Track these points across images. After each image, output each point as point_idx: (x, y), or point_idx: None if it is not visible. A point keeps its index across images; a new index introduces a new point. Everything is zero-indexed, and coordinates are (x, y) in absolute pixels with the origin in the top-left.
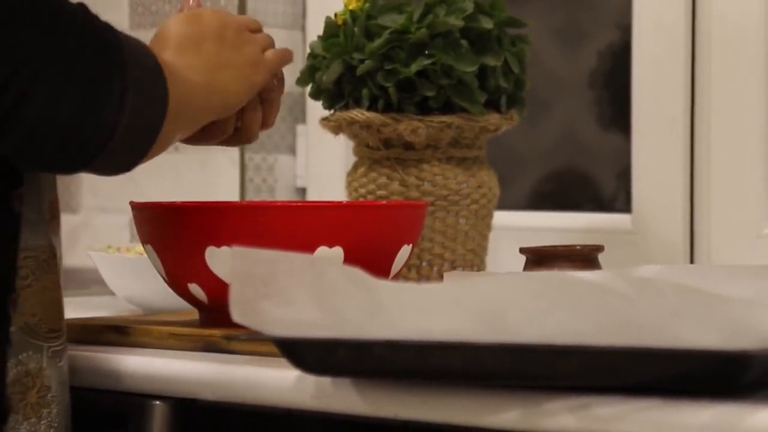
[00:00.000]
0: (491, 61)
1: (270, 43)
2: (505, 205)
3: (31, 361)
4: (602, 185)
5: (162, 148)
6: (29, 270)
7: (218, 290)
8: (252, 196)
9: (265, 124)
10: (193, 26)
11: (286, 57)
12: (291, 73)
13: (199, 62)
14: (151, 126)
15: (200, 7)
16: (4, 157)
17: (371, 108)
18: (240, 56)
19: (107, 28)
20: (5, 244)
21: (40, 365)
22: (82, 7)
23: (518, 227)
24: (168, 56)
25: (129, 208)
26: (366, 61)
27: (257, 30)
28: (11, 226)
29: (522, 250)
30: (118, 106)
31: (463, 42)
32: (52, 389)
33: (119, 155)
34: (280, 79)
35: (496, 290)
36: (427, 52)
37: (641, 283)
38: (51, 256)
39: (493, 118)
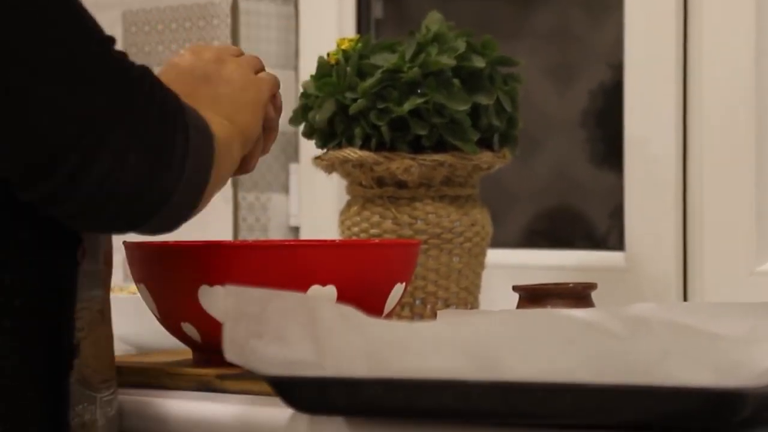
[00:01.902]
0: (483, 100)
1: (256, 64)
2: (498, 242)
3: (86, 412)
4: (595, 223)
5: (207, 202)
6: (84, 321)
7: (211, 329)
8: (245, 235)
9: (264, 151)
10: (198, 52)
11: (276, 78)
12: (284, 112)
13: (221, 104)
14: (203, 185)
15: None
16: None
17: (364, 147)
18: (244, 87)
19: (168, 92)
20: (70, 296)
21: (93, 417)
22: (147, 70)
23: (511, 265)
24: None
25: (122, 247)
26: (359, 100)
27: (238, 54)
28: (74, 278)
29: (515, 288)
30: (177, 172)
31: (456, 81)
32: None
33: (170, 216)
34: (278, 107)
35: (488, 329)
36: (419, 91)
37: (633, 322)
38: (103, 306)
39: (486, 157)
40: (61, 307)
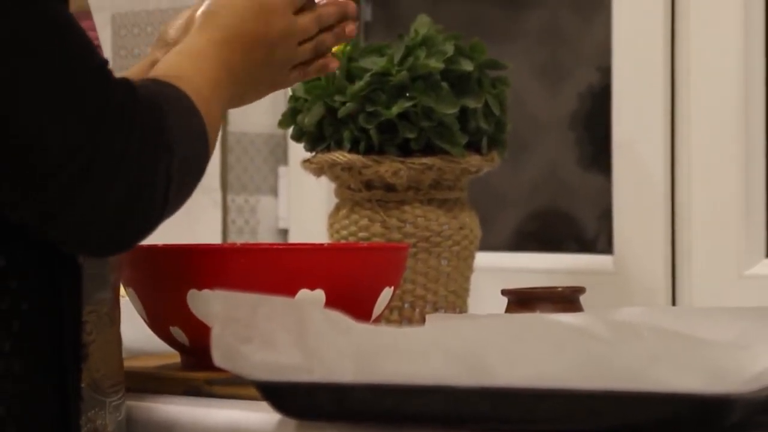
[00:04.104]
0: (472, 103)
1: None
2: (487, 245)
3: (97, 418)
4: (584, 226)
5: None
6: (92, 324)
7: (200, 333)
8: (234, 238)
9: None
10: (260, 24)
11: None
12: (273, 115)
13: (242, 67)
14: (186, 198)
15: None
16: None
17: (353, 150)
18: (274, 75)
19: (153, 104)
20: (76, 299)
21: (104, 421)
22: (132, 92)
23: (500, 268)
24: (216, 47)
25: None
26: (347, 104)
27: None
28: (78, 281)
29: (504, 292)
30: (161, 200)
31: (444, 84)
32: None
33: (148, 232)
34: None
35: (476, 333)
36: (408, 94)
37: (621, 327)
38: (112, 309)
39: (474, 160)
40: (68, 310)
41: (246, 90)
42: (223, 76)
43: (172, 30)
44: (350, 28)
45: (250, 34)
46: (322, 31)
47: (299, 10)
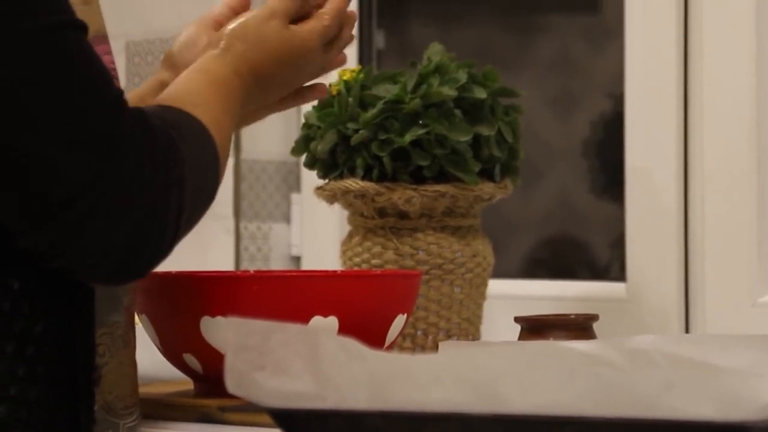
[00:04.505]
0: (485, 131)
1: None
2: (499, 272)
3: None
4: (596, 253)
5: None
6: (105, 347)
7: (213, 360)
8: (246, 265)
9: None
10: (291, 71)
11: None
12: (286, 142)
13: (260, 96)
14: (196, 221)
15: (307, 34)
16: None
17: (366, 177)
18: (294, 82)
19: (166, 135)
20: (89, 322)
21: None
22: (140, 117)
23: (513, 296)
24: (234, 78)
25: None
26: (360, 131)
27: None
28: (91, 303)
29: (517, 319)
30: (173, 229)
31: (457, 112)
32: None
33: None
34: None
35: (489, 361)
36: (421, 121)
37: (635, 354)
38: (126, 331)
39: (487, 187)
40: (81, 333)
41: (255, 113)
42: (235, 105)
43: (177, 47)
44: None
45: (278, 79)
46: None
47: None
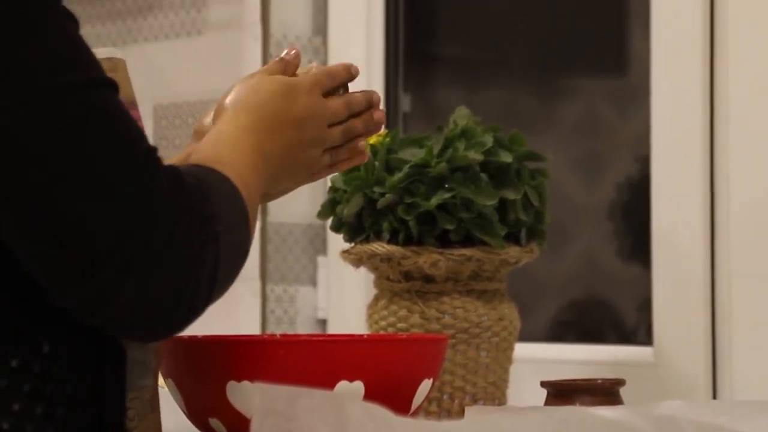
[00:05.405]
0: (511, 195)
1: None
2: (525, 335)
3: None
4: (623, 316)
5: None
6: (135, 411)
7: (239, 425)
8: (273, 328)
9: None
10: (286, 103)
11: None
12: (312, 206)
13: (273, 147)
14: (232, 281)
15: (297, 76)
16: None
17: (392, 241)
18: (308, 157)
19: (199, 191)
20: (121, 385)
21: None
22: (174, 174)
23: (539, 359)
24: (248, 132)
25: None
26: (386, 195)
27: (341, 112)
28: (123, 367)
29: (543, 384)
30: (210, 279)
31: (483, 176)
32: None
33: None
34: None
35: (516, 427)
36: (447, 185)
37: (662, 421)
38: (153, 395)
39: (514, 251)
40: (112, 396)
41: (281, 172)
42: (258, 160)
43: (206, 121)
44: (378, 114)
45: (276, 114)
46: (351, 116)
47: (328, 94)
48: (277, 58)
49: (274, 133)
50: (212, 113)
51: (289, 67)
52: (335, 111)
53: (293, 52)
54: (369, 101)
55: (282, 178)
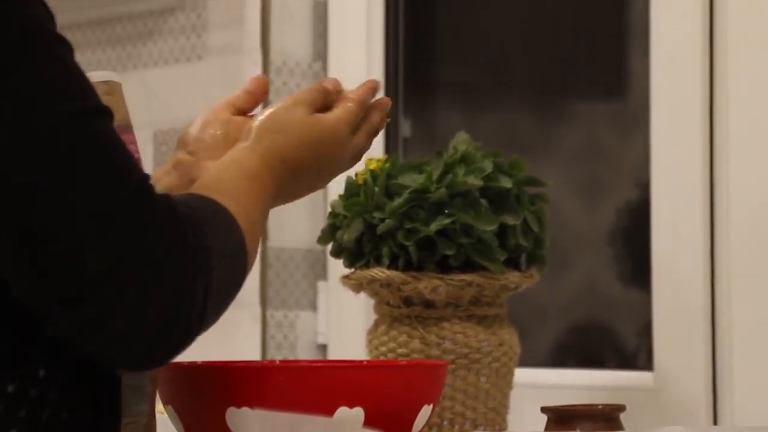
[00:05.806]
0: (511, 220)
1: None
2: (525, 361)
3: None
4: (623, 341)
5: None
6: None
7: None
8: (273, 353)
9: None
10: (311, 152)
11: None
12: (312, 231)
13: (290, 186)
14: (223, 311)
15: (334, 120)
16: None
17: (391, 266)
18: (319, 182)
19: (192, 222)
20: (116, 411)
21: None
22: (167, 205)
23: (540, 384)
24: (266, 171)
25: None
26: (386, 220)
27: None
28: (117, 392)
29: (543, 410)
30: (201, 310)
31: (483, 201)
32: None
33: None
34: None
35: None
36: (446, 211)
37: None
38: (150, 422)
39: (513, 277)
40: (107, 422)
41: (295, 198)
42: (271, 196)
43: (191, 128)
44: (385, 100)
45: (310, 166)
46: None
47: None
48: (241, 90)
49: (298, 177)
50: (199, 122)
51: (257, 99)
52: (358, 146)
53: (259, 82)
54: (374, 91)
55: (296, 198)
